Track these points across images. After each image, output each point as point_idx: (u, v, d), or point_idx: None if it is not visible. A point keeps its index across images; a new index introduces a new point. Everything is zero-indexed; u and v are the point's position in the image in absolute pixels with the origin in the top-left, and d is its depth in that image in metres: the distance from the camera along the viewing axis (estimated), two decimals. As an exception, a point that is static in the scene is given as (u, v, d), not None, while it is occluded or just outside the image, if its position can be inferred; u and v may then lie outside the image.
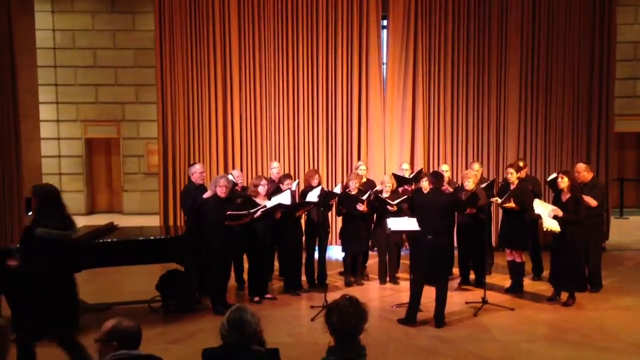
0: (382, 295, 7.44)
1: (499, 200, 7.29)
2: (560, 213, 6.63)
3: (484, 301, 6.67)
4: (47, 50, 13.12)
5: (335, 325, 2.83)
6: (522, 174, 7.66)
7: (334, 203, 7.70)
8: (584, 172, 7.33)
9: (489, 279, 7.47)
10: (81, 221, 10.15)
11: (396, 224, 6.76)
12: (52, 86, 13.40)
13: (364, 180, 8.03)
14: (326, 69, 9.85)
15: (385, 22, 10.08)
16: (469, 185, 7.33)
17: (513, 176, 7.31)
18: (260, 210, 6.79)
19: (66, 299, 5.12)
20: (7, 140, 9.24)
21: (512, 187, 7.29)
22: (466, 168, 9.12)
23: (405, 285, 7.34)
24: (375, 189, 7.76)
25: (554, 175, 7.39)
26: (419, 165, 9.46)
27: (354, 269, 7.84)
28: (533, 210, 6.94)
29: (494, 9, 9.78)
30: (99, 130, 13.79)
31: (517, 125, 9.89)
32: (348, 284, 7.74)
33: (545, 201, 7.34)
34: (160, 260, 6.84)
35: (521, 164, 7.87)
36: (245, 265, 7.43)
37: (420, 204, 6.58)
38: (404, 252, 8.55)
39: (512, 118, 9.88)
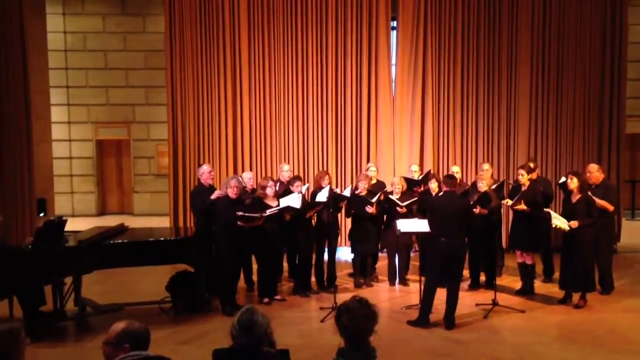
0: (391, 297, 7.42)
1: (510, 202, 7.25)
2: (576, 225, 6.58)
3: (495, 303, 6.63)
4: (58, 52, 13.22)
5: (345, 326, 2.82)
6: (533, 175, 7.61)
7: (344, 205, 7.70)
8: (596, 172, 7.26)
9: (499, 281, 7.43)
10: (92, 222, 10.29)
11: (406, 225, 6.75)
12: (63, 88, 13.50)
13: (374, 181, 8.03)
14: (335, 70, 9.85)
15: (394, 24, 10.06)
16: (483, 186, 7.31)
17: (524, 178, 7.26)
18: (271, 211, 6.80)
19: None
20: (19, 142, 9.32)
21: (523, 188, 7.24)
22: (476, 169, 9.10)
23: (414, 287, 7.32)
24: (384, 190, 7.75)
25: (564, 178, 7.34)
26: (428, 166, 9.43)
27: (363, 271, 7.82)
28: (542, 209, 6.88)
29: (503, 9, 9.74)
30: (109, 132, 13.87)
31: (528, 126, 9.83)
32: (358, 286, 7.72)
33: (556, 202, 7.30)
34: (170, 261, 6.86)
35: (532, 165, 7.79)
36: (255, 267, 7.44)
37: (433, 206, 6.56)
38: (414, 254, 8.53)
39: (522, 119, 9.83)
